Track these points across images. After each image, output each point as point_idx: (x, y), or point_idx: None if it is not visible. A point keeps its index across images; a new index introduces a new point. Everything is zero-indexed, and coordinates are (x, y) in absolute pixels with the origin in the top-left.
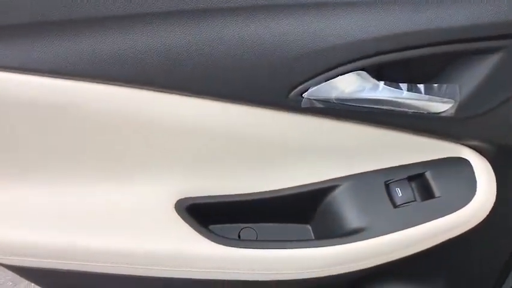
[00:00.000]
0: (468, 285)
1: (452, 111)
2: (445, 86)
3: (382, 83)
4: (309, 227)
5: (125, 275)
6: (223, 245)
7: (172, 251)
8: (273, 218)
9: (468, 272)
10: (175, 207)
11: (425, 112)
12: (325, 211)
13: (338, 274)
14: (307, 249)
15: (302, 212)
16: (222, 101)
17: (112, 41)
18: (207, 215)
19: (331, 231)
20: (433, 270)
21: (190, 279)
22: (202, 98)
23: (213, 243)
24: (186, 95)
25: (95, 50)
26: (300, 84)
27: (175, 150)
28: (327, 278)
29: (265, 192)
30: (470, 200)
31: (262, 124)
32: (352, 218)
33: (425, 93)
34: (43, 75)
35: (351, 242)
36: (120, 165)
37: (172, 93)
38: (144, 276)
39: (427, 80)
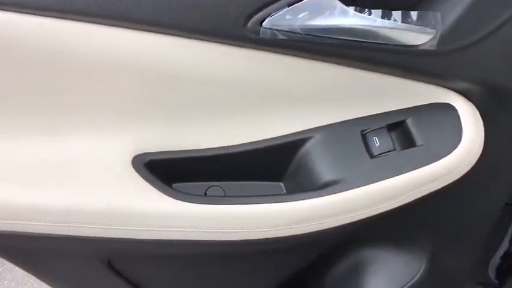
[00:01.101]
0: (457, 245)
1: (434, 43)
2: (425, 13)
3: (352, 8)
4: (281, 184)
5: (75, 235)
6: (187, 201)
7: (130, 209)
8: (242, 176)
9: (456, 230)
10: (132, 164)
11: (402, 44)
12: (297, 166)
13: (311, 232)
14: (278, 203)
15: (273, 168)
16: (169, 34)
17: None
18: (169, 172)
19: (305, 186)
20: (417, 228)
21: (152, 239)
22: (146, 30)
23: (174, 200)
24: (126, 28)
25: None
26: (259, 9)
27: (126, 97)
28: (299, 236)
29: (231, 146)
30: (455, 148)
31: (219, 64)
32: (325, 170)
33: (402, 22)
34: None
35: (325, 195)
36: (63, 114)
37: (110, 25)
38: (98, 237)
39: (405, 9)
